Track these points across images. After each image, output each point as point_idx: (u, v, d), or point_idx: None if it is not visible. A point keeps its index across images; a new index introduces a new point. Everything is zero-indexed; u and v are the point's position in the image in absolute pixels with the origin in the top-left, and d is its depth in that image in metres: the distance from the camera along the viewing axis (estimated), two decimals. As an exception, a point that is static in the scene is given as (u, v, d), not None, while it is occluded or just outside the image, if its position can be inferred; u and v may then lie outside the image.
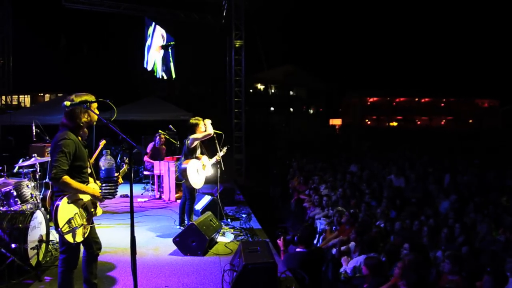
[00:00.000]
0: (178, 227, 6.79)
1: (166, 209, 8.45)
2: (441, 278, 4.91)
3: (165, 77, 19.18)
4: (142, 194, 10.00)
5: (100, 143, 8.16)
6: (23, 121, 9.25)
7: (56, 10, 16.29)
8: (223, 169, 7.14)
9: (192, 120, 6.62)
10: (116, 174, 3.81)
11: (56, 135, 3.57)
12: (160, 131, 9.04)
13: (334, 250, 6.37)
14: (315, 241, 7.52)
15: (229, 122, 14.12)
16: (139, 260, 3.87)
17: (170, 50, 18.48)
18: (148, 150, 9.93)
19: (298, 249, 5.28)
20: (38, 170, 7.08)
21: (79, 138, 3.66)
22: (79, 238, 3.54)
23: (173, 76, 19.05)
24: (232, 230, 6.81)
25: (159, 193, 9.58)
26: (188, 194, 6.65)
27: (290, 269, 4.90)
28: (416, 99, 54.47)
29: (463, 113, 52.12)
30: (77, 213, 3.54)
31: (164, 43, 18.66)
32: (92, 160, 7.80)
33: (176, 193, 9.25)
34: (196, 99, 21.74)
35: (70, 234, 3.44)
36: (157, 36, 18.32)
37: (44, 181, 7.27)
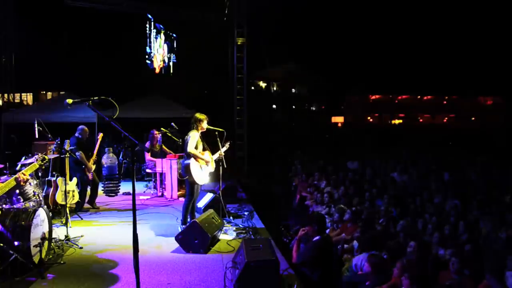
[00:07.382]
0: (179, 227, 6.46)
1: (168, 206, 8.44)
2: (442, 275, 4.89)
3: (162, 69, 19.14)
4: (144, 191, 10.00)
5: (98, 137, 8.21)
6: (25, 119, 9.25)
7: (58, 7, 16.28)
8: (225, 166, 7.12)
9: (198, 115, 6.38)
10: None
11: None
12: (162, 128, 9.02)
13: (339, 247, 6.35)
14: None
15: (231, 120, 14.12)
16: (142, 257, 3.86)
17: (170, 43, 18.43)
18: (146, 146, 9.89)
19: (314, 239, 5.23)
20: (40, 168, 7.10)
21: None
22: None
23: (171, 72, 19.01)
24: (234, 228, 6.80)
25: (161, 190, 9.59)
26: (188, 189, 6.46)
27: (292, 266, 4.89)
28: (419, 97, 54.39)
29: (465, 111, 52.03)
30: None
31: (166, 39, 18.65)
32: (94, 156, 7.87)
33: (179, 190, 9.25)
34: (198, 96, 21.72)
35: None
36: (159, 33, 18.30)
37: (46, 178, 7.29)
